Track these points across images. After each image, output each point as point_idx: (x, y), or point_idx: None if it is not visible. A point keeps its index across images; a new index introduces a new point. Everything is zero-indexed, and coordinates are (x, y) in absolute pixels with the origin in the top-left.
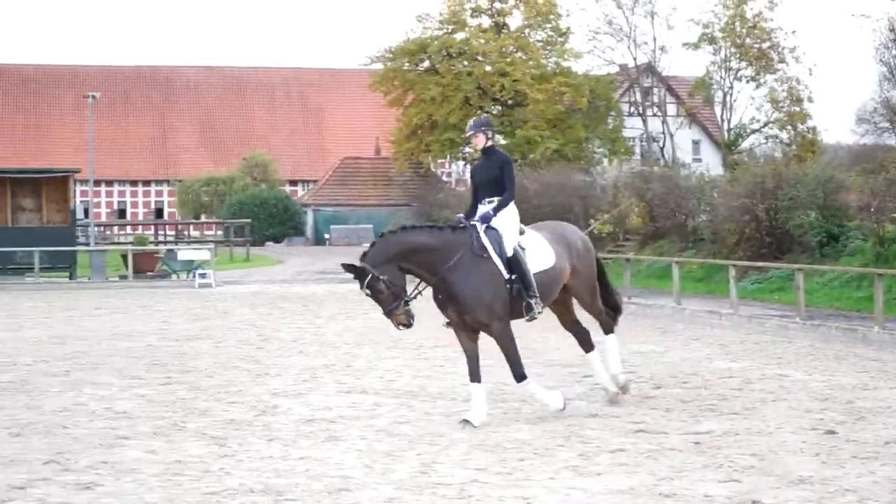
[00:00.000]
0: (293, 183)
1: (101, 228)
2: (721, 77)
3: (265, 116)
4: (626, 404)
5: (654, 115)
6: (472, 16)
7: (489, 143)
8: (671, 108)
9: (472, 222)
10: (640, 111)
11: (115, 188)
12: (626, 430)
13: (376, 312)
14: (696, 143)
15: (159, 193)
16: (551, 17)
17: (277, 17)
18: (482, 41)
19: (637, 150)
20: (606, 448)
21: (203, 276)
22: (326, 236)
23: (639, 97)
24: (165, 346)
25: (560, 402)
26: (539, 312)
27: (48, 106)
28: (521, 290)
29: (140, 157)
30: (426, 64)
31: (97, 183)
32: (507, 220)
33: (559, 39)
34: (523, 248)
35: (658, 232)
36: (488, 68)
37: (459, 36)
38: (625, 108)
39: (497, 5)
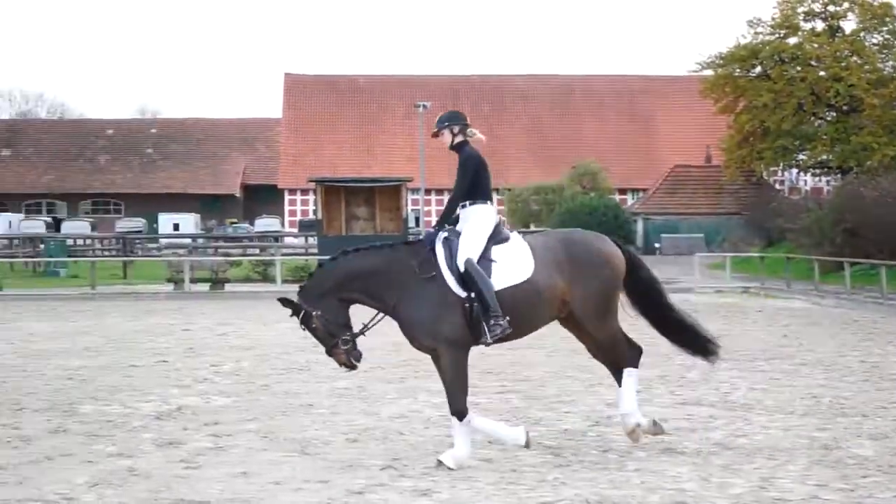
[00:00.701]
0: (622, 191)
1: None
2: None
3: (594, 124)
4: None
5: None
6: (804, 20)
7: (457, 139)
8: None
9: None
10: None
11: (445, 196)
12: None
13: (709, 324)
14: None
15: None
16: (887, 19)
17: (605, 24)
18: (815, 45)
19: None
20: None
21: None
22: (657, 245)
23: None
24: (498, 354)
25: (521, 437)
26: (496, 336)
27: (380, 116)
28: (480, 311)
29: None
30: (758, 70)
31: (428, 191)
32: (471, 228)
33: None
34: (492, 260)
35: None
36: (822, 73)
37: (792, 40)
38: None
39: (831, 8)
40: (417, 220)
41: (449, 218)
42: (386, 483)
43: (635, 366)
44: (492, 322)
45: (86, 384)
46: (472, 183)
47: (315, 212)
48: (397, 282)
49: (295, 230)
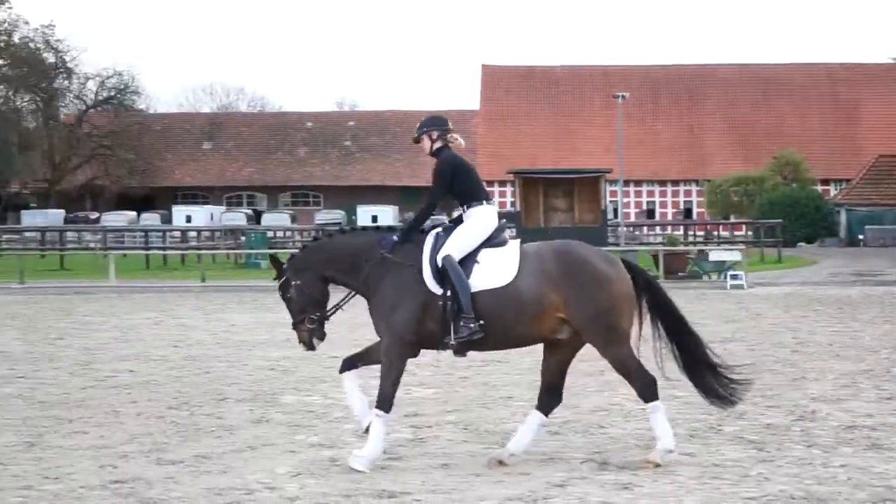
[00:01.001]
0: (825, 182)
1: (631, 228)
2: None
3: (796, 114)
4: None
5: None
6: None
7: (436, 145)
8: None
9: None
10: None
11: (644, 188)
12: None
13: None
14: None
15: (688, 193)
16: None
17: (807, 13)
18: None
19: None
20: None
21: (735, 277)
22: (860, 237)
23: None
24: None
25: (365, 465)
26: (462, 337)
27: (578, 107)
28: (452, 311)
29: (668, 157)
30: None
31: (626, 183)
32: (465, 227)
33: None
34: (476, 262)
35: None
36: None
37: None
38: None
39: None
40: (616, 211)
41: (420, 226)
42: (587, 476)
43: (655, 398)
44: (461, 323)
45: (287, 375)
46: (456, 187)
47: (513, 204)
48: (372, 262)
49: None
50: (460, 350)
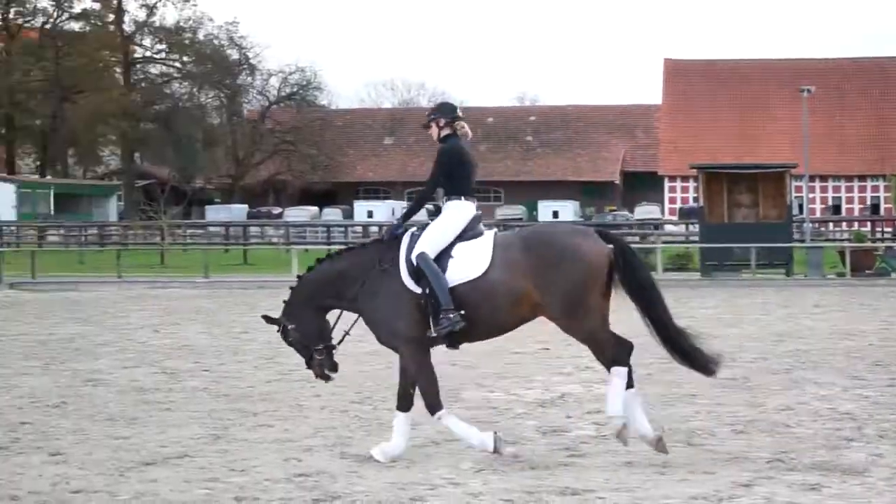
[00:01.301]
0: None
1: (816, 224)
2: None
3: None
4: None
5: None
6: None
7: (443, 132)
8: None
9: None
10: None
11: (830, 184)
12: None
13: None
14: None
15: (875, 189)
16: None
17: None
18: None
19: None
20: None
21: None
22: None
23: None
24: (887, 346)
25: (489, 443)
26: (443, 329)
27: (761, 100)
28: (432, 307)
29: (855, 152)
30: None
31: (812, 178)
32: (438, 223)
33: None
34: (451, 256)
35: None
36: None
37: None
38: None
39: None
40: (801, 207)
41: (415, 212)
42: (773, 476)
43: (623, 364)
44: (441, 316)
45: (469, 370)
46: (448, 178)
47: (696, 199)
48: (361, 279)
49: (675, 217)
50: (451, 342)
